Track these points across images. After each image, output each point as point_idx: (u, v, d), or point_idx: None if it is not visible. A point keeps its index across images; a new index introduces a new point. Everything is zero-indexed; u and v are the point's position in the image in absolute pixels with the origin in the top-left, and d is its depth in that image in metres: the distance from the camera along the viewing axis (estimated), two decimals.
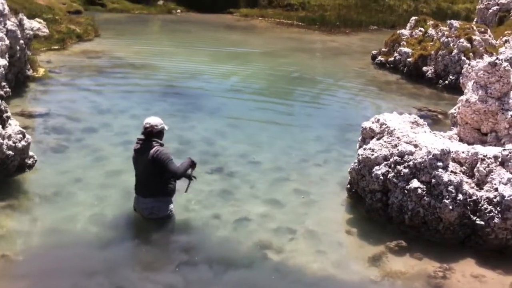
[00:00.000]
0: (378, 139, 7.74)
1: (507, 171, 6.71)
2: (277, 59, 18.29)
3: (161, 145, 6.61)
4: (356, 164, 7.80)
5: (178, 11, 27.83)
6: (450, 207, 6.57)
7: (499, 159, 6.83)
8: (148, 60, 16.42)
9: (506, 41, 15.90)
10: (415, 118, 8.22)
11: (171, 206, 6.80)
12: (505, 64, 8.49)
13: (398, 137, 7.47)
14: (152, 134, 6.57)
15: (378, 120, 8.01)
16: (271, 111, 12.44)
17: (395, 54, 17.43)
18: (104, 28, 20.88)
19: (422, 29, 17.80)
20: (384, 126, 7.80)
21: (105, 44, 18.52)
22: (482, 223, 6.57)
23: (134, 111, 11.24)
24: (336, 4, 28.58)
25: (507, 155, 6.79)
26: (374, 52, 18.62)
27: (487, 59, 8.73)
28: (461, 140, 8.84)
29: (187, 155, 8.96)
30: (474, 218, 6.66)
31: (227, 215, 7.28)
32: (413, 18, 18.91)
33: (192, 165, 6.81)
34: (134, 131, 8.80)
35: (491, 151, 7.00)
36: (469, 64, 9.71)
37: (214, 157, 9.20)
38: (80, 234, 6.58)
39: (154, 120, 6.66)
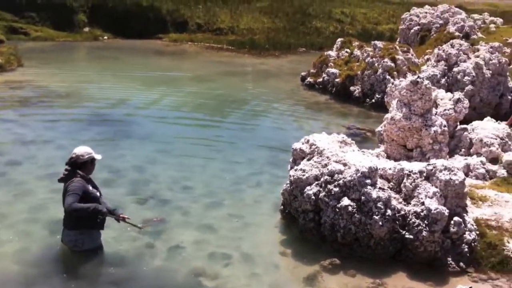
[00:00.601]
0: (308, 160, 7.83)
1: (432, 185, 6.92)
2: (207, 83, 18.31)
3: (83, 177, 6.37)
4: (288, 185, 7.84)
5: (105, 37, 27.41)
6: (380, 223, 6.69)
7: (424, 174, 7.03)
8: (74, 89, 16.00)
9: (428, 59, 16.61)
10: (343, 137, 8.38)
11: (99, 238, 6.57)
12: (426, 82, 8.84)
13: (327, 157, 7.58)
14: (76, 165, 6.34)
15: (308, 140, 8.12)
16: (203, 134, 12.40)
17: (323, 75, 17.83)
18: (27, 57, 20.21)
19: (348, 50, 18.33)
20: (314, 147, 7.90)
21: (28, 74, 17.91)
22: (411, 237, 6.72)
23: (60, 141, 10.86)
24: (265, 28, 29.01)
25: (432, 169, 7.01)
26: (303, 73, 18.98)
27: (409, 78, 9.06)
28: (388, 156, 9.09)
29: (116, 185, 8.83)
30: (403, 232, 6.81)
31: (160, 244, 7.11)
32: (339, 39, 19.46)
33: (100, 211, 6.31)
34: (60, 163, 8.41)
35: (416, 166, 7.20)
36: (392, 83, 10.04)
37: (145, 185, 9.00)
38: (3, 272, 6.22)
39: (80, 150, 6.44)
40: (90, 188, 6.35)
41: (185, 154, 10.72)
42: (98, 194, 6.47)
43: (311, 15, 30.60)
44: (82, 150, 6.47)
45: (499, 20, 23.02)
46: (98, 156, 6.57)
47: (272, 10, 30.43)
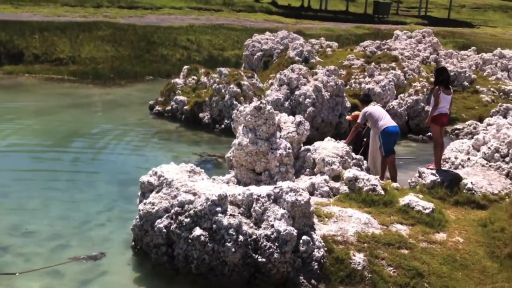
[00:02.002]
0: (157, 192, 7.66)
1: (280, 207, 7.09)
2: (48, 116, 17.24)
3: None
4: (137, 220, 7.59)
5: None
6: (233, 250, 6.71)
7: (272, 197, 7.20)
8: None
9: (271, 83, 17.25)
10: (192, 166, 8.32)
11: None
12: (268, 107, 9.12)
13: (177, 188, 7.49)
14: None
15: (156, 172, 7.96)
16: (46, 172, 11.58)
17: (172, 103, 17.70)
18: None
19: (195, 77, 18.43)
20: (162, 178, 7.76)
21: None
22: (264, 260, 6.80)
23: None
24: (108, 56, 28.18)
25: (278, 192, 7.20)
26: (151, 102, 18.68)
27: (253, 103, 9.27)
28: (239, 182, 9.20)
29: None
30: (256, 256, 6.88)
31: None
32: (186, 67, 19.49)
33: None
34: None
35: (264, 190, 7.35)
36: (238, 109, 10.21)
37: None
38: None
39: None
40: None
41: (24, 194, 9.94)
42: None
43: (156, 42, 30.34)
44: None
45: (335, 44, 24.59)
46: None
47: (115, 38, 29.67)
